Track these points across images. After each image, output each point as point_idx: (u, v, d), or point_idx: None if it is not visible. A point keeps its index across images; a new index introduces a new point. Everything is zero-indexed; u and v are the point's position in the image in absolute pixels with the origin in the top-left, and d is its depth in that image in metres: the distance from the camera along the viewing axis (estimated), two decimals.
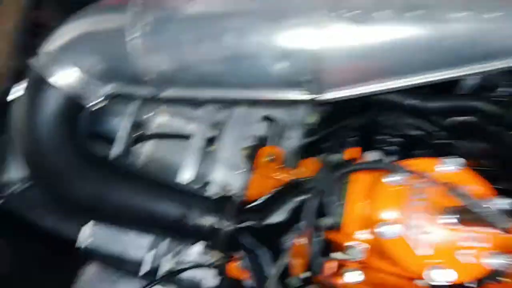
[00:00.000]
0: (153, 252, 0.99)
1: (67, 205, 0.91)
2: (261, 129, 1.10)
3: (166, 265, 0.99)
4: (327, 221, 0.68)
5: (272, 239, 0.86)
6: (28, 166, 0.92)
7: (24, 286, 0.93)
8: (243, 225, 0.82)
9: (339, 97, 0.79)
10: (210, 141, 1.10)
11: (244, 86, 0.83)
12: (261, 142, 1.08)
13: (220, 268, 1.03)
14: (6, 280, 0.94)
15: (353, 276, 0.69)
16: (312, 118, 1.15)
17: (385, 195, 0.66)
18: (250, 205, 0.87)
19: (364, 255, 0.70)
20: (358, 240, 0.70)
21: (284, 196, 0.88)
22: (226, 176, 1.06)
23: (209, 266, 1.01)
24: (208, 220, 0.85)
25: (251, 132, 1.10)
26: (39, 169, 0.90)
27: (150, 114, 1.17)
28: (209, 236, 0.86)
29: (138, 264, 0.99)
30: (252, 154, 1.05)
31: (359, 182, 0.72)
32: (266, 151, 1.03)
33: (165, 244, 1.00)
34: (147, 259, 0.98)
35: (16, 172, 1.03)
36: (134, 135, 1.12)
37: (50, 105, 0.89)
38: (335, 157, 0.72)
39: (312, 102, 0.81)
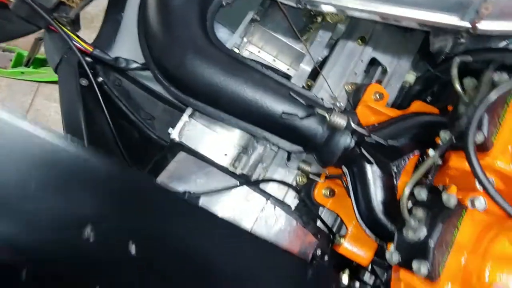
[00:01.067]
0: (242, 158, 0.97)
1: (179, 84, 0.88)
2: (363, 67, 1.09)
3: (255, 172, 0.96)
4: (479, 137, 0.66)
5: (386, 160, 0.85)
6: (151, 39, 0.89)
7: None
8: (371, 139, 0.79)
9: (497, 30, 0.78)
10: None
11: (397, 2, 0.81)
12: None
13: (304, 191, 1.01)
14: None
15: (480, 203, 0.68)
16: (411, 77, 1.14)
17: None
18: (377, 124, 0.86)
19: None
20: (502, 169, 0.68)
21: (410, 123, 0.86)
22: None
23: (294, 187, 0.99)
24: (323, 127, 0.83)
25: (355, 69, 1.08)
26: (162, 41, 0.87)
27: (245, 41, 1.15)
28: (320, 145, 0.84)
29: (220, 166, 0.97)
30: (358, 89, 1.04)
31: None
32: (374, 89, 1.02)
33: (256, 153, 0.98)
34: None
35: (122, 52, 1.00)
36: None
37: None
38: (497, 77, 0.70)
39: (466, 32, 0.79)
